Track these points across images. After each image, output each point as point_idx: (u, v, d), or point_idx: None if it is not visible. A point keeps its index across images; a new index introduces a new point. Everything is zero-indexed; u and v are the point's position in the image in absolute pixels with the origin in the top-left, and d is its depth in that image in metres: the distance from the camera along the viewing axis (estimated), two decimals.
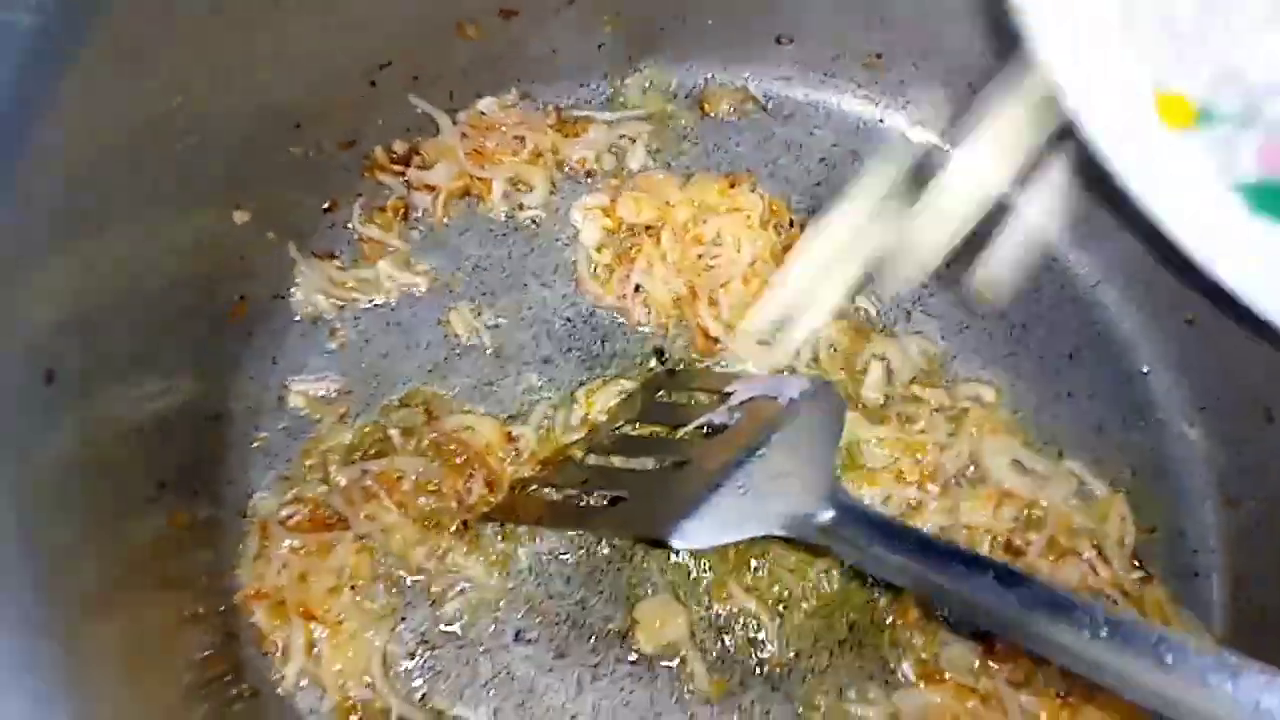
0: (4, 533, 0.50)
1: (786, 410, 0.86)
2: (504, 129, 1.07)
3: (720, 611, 0.91)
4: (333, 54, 0.88)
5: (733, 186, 1.06)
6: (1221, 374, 0.99)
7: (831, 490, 0.80)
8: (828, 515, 0.78)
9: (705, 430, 0.91)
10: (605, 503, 0.88)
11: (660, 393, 0.97)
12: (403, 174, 1.03)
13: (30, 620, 0.49)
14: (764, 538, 0.81)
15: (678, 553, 0.92)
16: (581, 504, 0.89)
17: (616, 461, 0.92)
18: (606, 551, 0.92)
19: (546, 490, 0.91)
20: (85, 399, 0.62)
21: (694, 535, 0.78)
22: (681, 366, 1.01)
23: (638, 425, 0.95)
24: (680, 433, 0.91)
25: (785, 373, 1.00)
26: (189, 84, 0.71)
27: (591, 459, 0.92)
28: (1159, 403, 1.03)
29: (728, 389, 0.92)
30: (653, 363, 1.01)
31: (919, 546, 0.74)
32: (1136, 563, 0.95)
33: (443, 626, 0.88)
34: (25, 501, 0.52)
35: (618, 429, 0.94)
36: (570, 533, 0.92)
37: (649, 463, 0.91)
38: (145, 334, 0.73)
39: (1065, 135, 0.83)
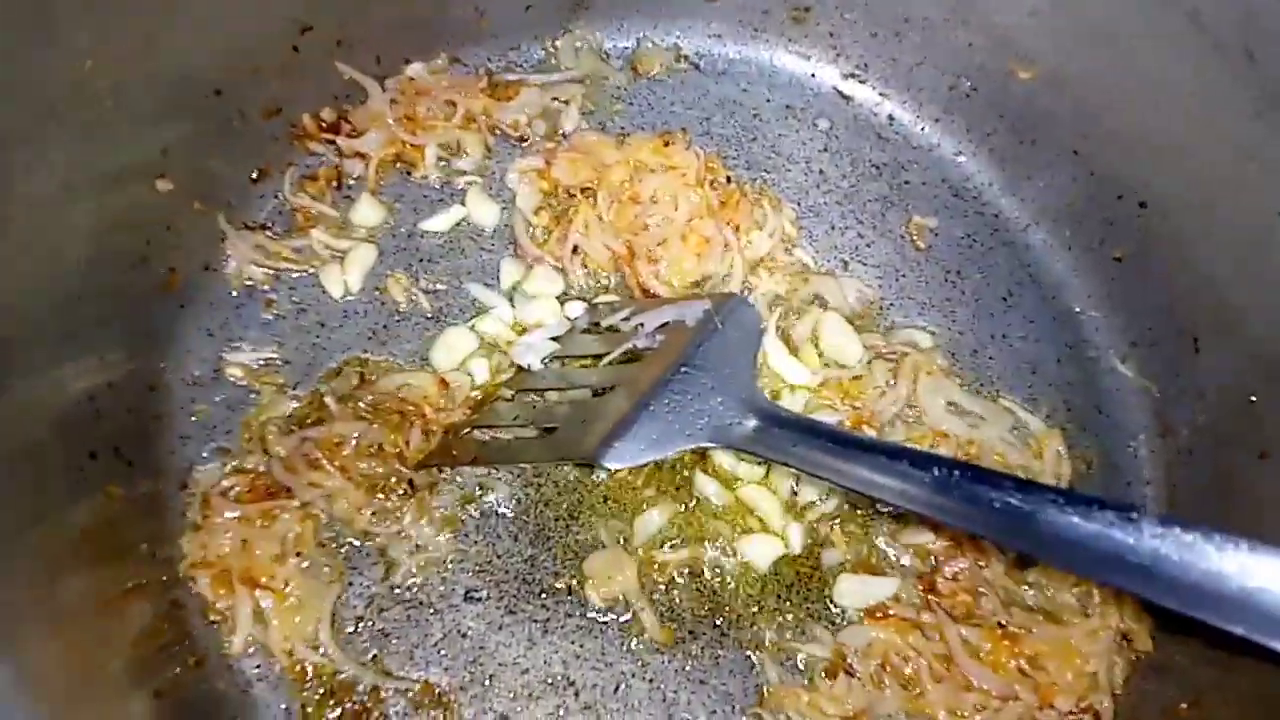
0: None
1: (702, 327, 0.87)
2: (434, 94, 1.07)
3: (668, 563, 0.92)
4: (251, 18, 0.87)
5: (667, 145, 1.06)
6: (1150, 308, 1.01)
7: (753, 399, 0.83)
8: (751, 423, 0.81)
9: (628, 357, 0.92)
10: (537, 435, 0.89)
11: (581, 329, 0.98)
12: (333, 142, 1.03)
13: None
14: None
15: (607, 478, 0.93)
16: (514, 438, 0.89)
17: (550, 396, 0.93)
18: (553, 512, 0.93)
19: (478, 432, 0.91)
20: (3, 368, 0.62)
21: (624, 455, 0.81)
22: (594, 302, 1.01)
23: (563, 361, 0.96)
24: (604, 362, 0.92)
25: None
26: (100, 48, 0.70)
27: (519, 397, 0.93)
28: (1091, 340, 1.05)
29: (639, 319, 0.94)
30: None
31: (837, 441, 0.77)
32: None
33: (391, 589, 0.88)
34: None
35: (546, 363, 0.95)
36: (516, 490, 0.93)
37: (577, 394, 0.92)
38: (72, 307, 0.72)
39: None
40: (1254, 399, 0.89)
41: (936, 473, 0.69)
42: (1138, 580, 0.60)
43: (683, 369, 0.83)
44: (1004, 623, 0.89)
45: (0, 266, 0.64)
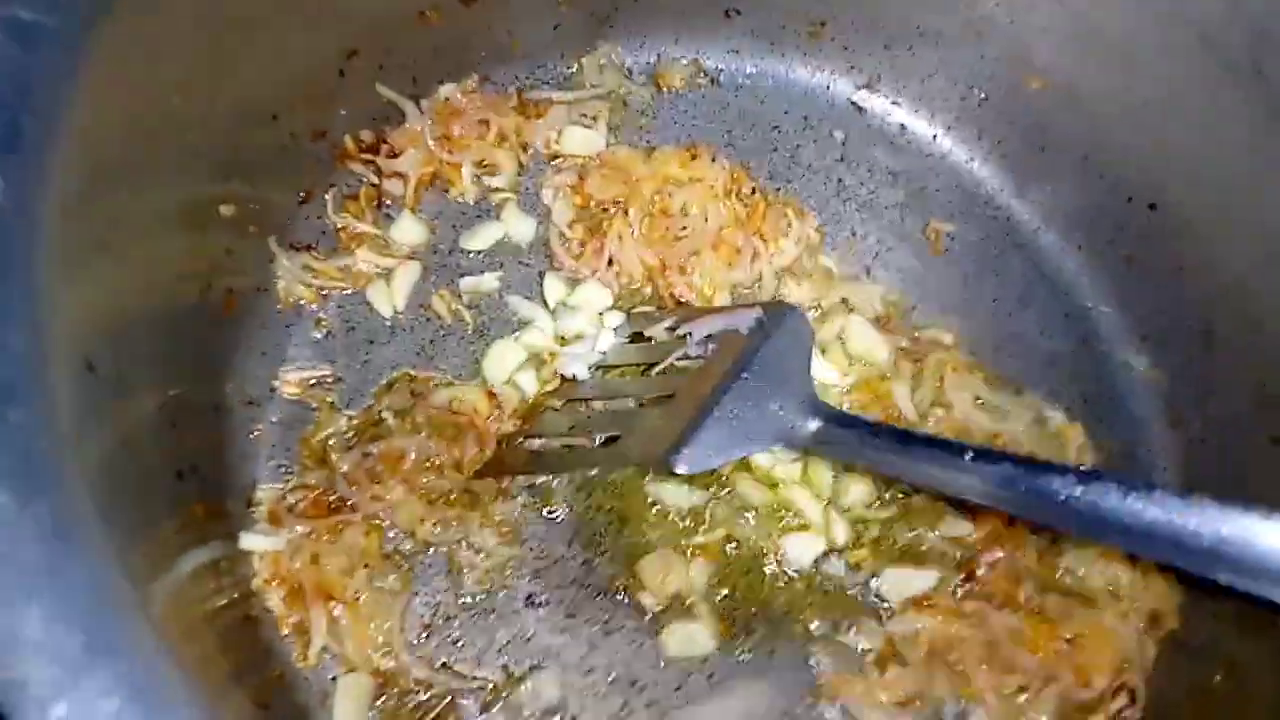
0: (84, 522, 0.51)
1: (756, 335, 0.91)
2: (467, 114, 1.09)
3: (718, 562, 0.95)
4: (305, 45, 0.90)
5: (694, 158, 1.10)
6: (1161, 304, 1.06)
7: (813, 401, 0.87)
8: (815, 425, 0.85)
9: (677, 367, 0.95)
10: (594, 443, 0.92)
11: (624, 339, 1.01)
12: (372, 162, 1.05)
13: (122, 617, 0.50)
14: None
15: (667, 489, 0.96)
16: (567, 447, 0.92)
17: (598, 405, 0.96)
18: (605, 518, 0.95)
19: (530, 441, 0.94)
20: (117, 391, 0.63)
21: (695, 460, 0.84)
22: (633, 311, 1.04)
23: (606, 371, 0.99)
24: (656, 370, 0.96)
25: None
26: (184, 82, 0.72)
27: (568, 407, 0.96)
28: (1104, 335, 1.10)
29: (685, 328, 0.97)
30: None
31: (901, 440, 0.81)
32: None
33: (456, 597, 0.90)
34: (93, 489, 0.53)
35: (594, 372, 0.98)
36: (568, 498, 0.95)
37: (630, 403, 0.95)
38: (158, 331, 0.74)
39: None
40: (1266, 386, 0.95)
41: (1000, 468, 0.73)
42: (1199, 561, 0.65)
43: (742, 375, 0.87)
44: (1040, 608, 0.94)
45: (117, 296, 0.66)
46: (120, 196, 0.66)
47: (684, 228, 1.07)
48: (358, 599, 0.86)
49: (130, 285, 0.69)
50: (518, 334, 1.02)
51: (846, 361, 1.05)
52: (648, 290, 1.06)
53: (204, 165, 0.80)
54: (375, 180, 1.05)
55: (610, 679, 0.89)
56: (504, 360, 1.00)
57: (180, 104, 0.72)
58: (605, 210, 1.08)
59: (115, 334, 0.65)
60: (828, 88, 1.21)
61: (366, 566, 0.88)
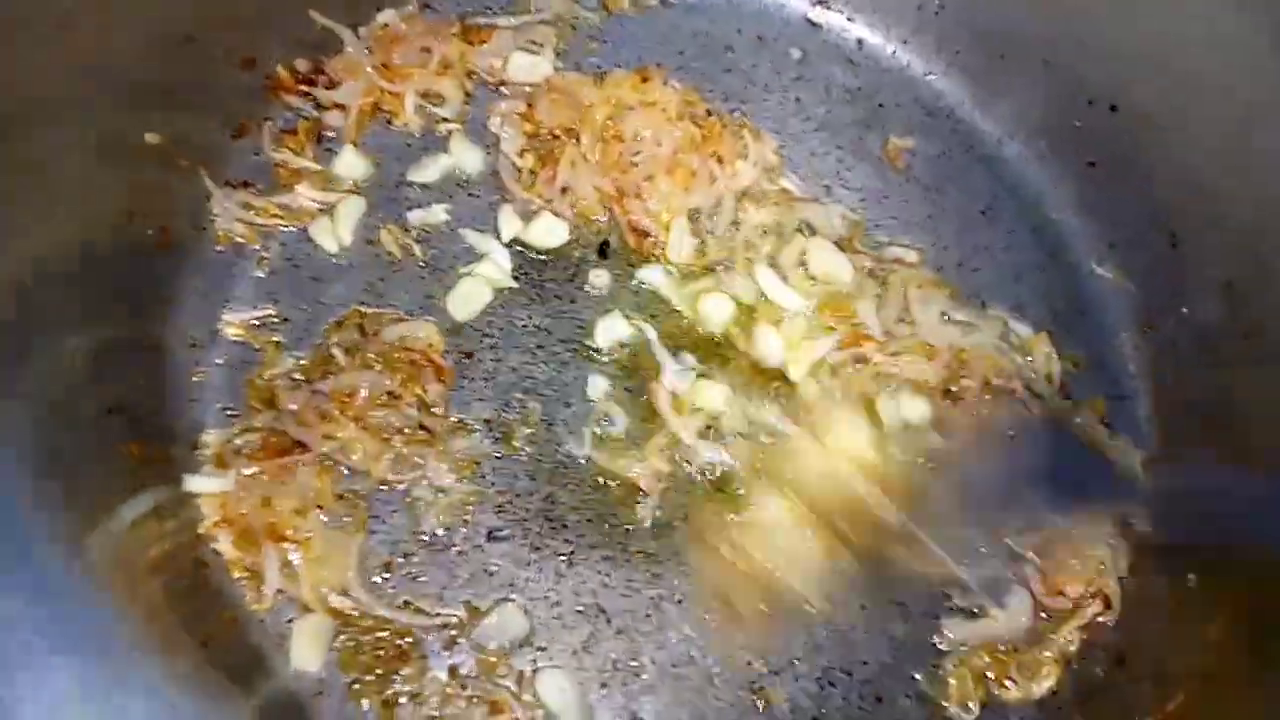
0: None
1: None
2: (408, 41, 1.05)
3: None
4: None
5: (645, 82, 1.07)
6: (1125, 210, 1.04)
7: None
8: None
9: None
10: None
11: None
12: (309, 94, 1.01)
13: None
14: None
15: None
16: None
17: None
18: (565, 450, 0.93)
19: None
20: (22, 309, 0.60)
21: None
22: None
23: None
24: None
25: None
26: None
27: None
28: (1071, 245, 1.08)
29: None
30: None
31: None
32: (1066, 395, 1.01)
33: (415, 534, 0.88)
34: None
35: None
36: (531, 431, 0.93)
37: None
38: (83, 268, 0.70)
39: None
40: (1233, 284, 0.93)
41: None
42: None
43: None
44: None
45: (23, 233, 0.62)
46: (9, 111, 0.61)
47: (637, 153, 1.04)
48: (310, 539, 0.83)
49: (43, 223, 0.65)
50: (471, 266, 0.99)
51: (809, 284, 1.03)
52: (603, 219, 1.03)
53: (112, 87, 0.76)
54: (314, 113, 1.01)
55: (577, 609, 0.87)
56: (469, 296, 0.97)
57: (73, 10, 0.67)
58: (556, 138, 1.05)
59: (18, 249, 0.61)
60: (782, 5, 1.17)
61: (320, 507, 0.85)
